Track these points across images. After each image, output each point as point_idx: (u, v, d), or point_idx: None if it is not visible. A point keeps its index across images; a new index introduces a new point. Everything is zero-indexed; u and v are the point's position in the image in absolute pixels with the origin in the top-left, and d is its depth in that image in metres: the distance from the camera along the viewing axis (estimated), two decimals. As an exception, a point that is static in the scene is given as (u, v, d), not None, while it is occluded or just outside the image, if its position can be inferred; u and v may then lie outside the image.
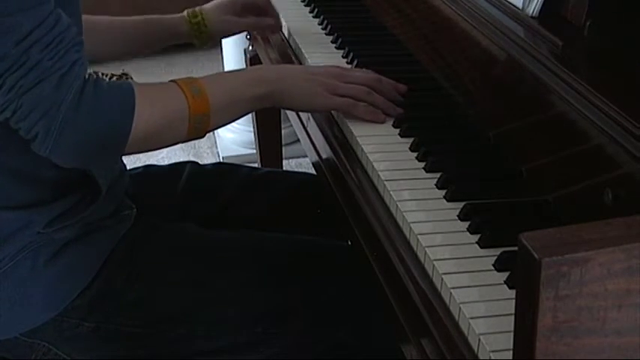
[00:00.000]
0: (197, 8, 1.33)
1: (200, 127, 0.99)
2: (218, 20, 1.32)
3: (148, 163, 1.34)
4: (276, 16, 1.39)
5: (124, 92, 0.94)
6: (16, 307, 0.99)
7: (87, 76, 0.92)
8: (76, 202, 1.02)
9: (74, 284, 1.01)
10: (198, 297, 1.04)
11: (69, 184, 1.02)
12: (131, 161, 1.18)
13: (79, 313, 1.01)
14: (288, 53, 1.35)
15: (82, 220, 1.02)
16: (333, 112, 1.10)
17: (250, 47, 1.69)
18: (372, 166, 0.96)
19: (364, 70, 1.12)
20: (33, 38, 0.88)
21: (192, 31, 1.31)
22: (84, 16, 1.08)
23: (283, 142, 1.98)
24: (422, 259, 0.81)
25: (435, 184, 0.92)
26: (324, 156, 1.09)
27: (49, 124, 0.89)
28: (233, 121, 1.08)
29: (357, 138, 1.02)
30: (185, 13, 1.31)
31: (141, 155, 2.60)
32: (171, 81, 0.99)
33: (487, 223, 0.83)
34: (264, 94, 1.03)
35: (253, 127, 1.95)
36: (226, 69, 2.59)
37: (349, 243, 1.13)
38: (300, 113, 1.21)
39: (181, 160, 1.36)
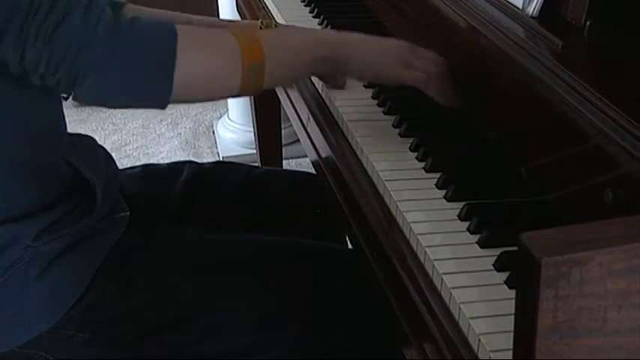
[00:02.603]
0: (274, 22, 1.23)
1: (254, 78, 0.93)
2: None
3: (147, 162, 1.34)
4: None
5: (162, 22, 0.90)
6: (10, 320, 0.98)
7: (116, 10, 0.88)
8: (67, 213, 1.00)
9: (68, 296, 0.99)
10: (194, 304, 1.02)
11: (60, 192, 0.99)
12: (131, 162, 1.17)
13: (74, 324, 0.99)
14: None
15: (73, 231, 1.00)
16: (333, 112, 1.10)
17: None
18: (372, 166, 0.96)
19: (431, 52, 1.09)
20: None
21: None
22: (136, 7, 1.04)
23: (283, 142, 1.98)
24: (422, 259, 0.81)
25: (435, 184, 0.92)
26: (324, 156, 1.09)
27: (87, 60, 0.84)
28: (296, 80, 1.03)
29: (358, 138, 1.02)
30: (259, 22, 1.21)
31: (140, 155, 2.60)
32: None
33: (487, 223, 0.83)
34: (328, 56, 0.99)
35: (253, 127, 1.95)
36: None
37: (349, 245, 1.13)
38: (300, 113, 1.21)
39: (181, 159, 1.35)
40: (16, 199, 0.97)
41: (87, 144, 1.10)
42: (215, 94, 0.97)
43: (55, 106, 1.00)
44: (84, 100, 0.88)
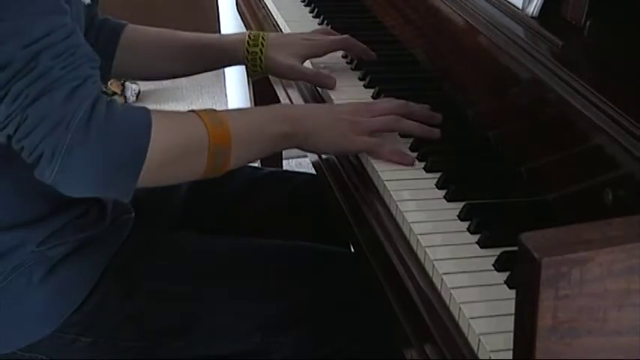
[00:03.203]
0: (262, 35, 1.19)
1: (220, 161, 0.92)
2: (274, 61, 1.18)
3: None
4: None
5: (139, 115, 0.87)
6: (12, 323, 0.98)
7: (98, 96, 0.85)
8: (76, 218, 1.00)
9: (70, 300, 0.99)
10: (196, 308, 1.02)
11: (70, 198, 0.96)
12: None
13: (75, 329, 0.99)
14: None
15: (80, 236, 1.00)
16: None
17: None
18: (372, 166, 0.96)
19: (391, 99, 1.05)
20: (43, 44, 0.82)
21: (246, 61, 1.20)
22: (136, 27, 1.03)
23: (283, 142, 1.97)
24: (422, 259, 0.81)
25: (435, 184, 0.92)
26: (324, 156, 1.09)
27: (55, 142, 0.81)
28: (254, 160, 1.01)
29: (357, 138, 1.02)
30: (247, 35, 1.20)
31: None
32: (190, 111, 0.94)
33: (487, 223, 0.83)
34: (289, 132, 0.97)
35: (253, 127, 1.95)
36: (227, 76, 2.58)
37: (350, 246, 1.13)
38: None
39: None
40: (25, 205, 0.97)
41: None
42: (177, 178, 0.96)
43: None
44: (42, 179, 0.84)
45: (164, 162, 0.88)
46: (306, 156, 1.09)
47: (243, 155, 0.96)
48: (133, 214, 1.09)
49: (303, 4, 1.54)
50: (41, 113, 0.81)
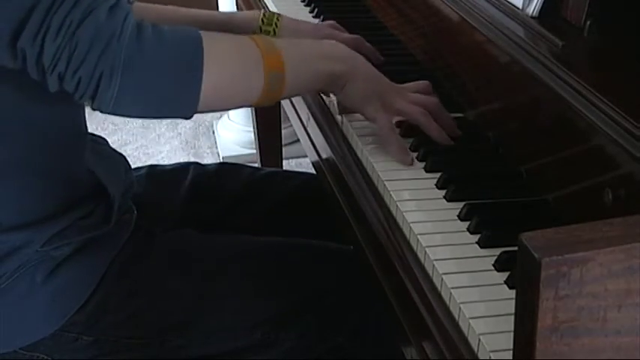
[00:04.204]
0: (276, 14, 1.19)
1: (275, 87, 0.91)
2: None
3: (148, 163, 1.34)
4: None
5: (187, 29, 0.86)
6: (14, 323, 0.98)
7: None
8: (81, 219, 0.99)
9: (72, 300, 0.99)
10: (198, 306, 1.03)
11: (77, 198, 0.99)
12: (131, 162, 1.17)
13: (77, 328, 0.99)
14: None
15: (85, 237, 1.00)
16: (333, 111, 1.10)
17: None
18: (372, 165, 0.96)
19: (427, 83, 1.06)
20: None
21: None
22: (143, 5, 1.00)
23: (283, 142, 1.98)
24: (422, 259, 0.81)
25: (435, 184, 0.92)
26: (324, 156, 1.09)
27: (112, 58, 0.79)
28: (307, 92, 1.00)
29: (357, 138, 1.02)
30: (261, 14, 1.19)
31: (141, 155, 2.60)
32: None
33: (487, 223, 0.83)
34: (340, 72, 0.97)
35: (253, 127, 1.95)
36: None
37: (350, 245, 1.13)
38: (300, 113, 1.21)
39: (181, 160, 1.35)
40: (34, 204, 0.97)
41: (108, 151, 1.09)
42: (235, 104, 0.95)
43: (78, 112, 0.99)
44: (103, 108, 0.82)
45: (222, 79, 0.87)
46: (306, 156, 1.09)
47: (296, 84, 0.95)
48: (135, 213, 1.09)
49: (303, 4, 1.54)
50: (90, 34, 0.79)
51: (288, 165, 2.39)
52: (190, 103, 0.86)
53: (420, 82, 1.07)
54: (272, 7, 1.52)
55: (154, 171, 1.27)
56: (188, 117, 0.88)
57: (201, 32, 0.87)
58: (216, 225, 1.20)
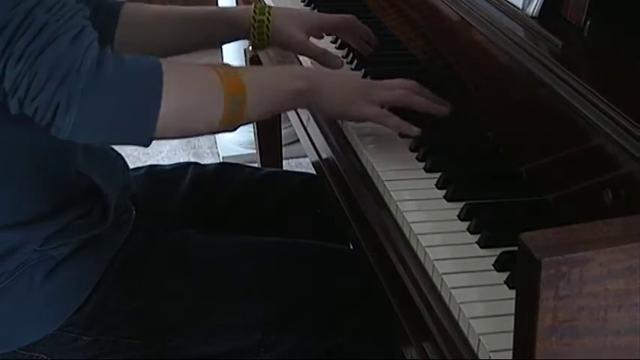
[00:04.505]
0: (268, 6, 1.19)
1: (236, 109, 0.91)
2: (284, 32, 1.17)
3: (148, 163, 1.34)
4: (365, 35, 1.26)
5: (149, 59, 0.87)
6: (14, 323, 0.98)
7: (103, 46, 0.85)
8: (79, 218, 1.00)
9: (72, 300, 0.99)
10: (197, 307, 1.03)
11: (73, 199, 0.99)
12: (131, 162, 1.17)
13: (77, 328, 0.99)
14: (289, 54, 1.35)
15: (83, 237, 1.00)
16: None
17: (250, 47, 1.69)
18: (372, 165, 0.96)
19: (404, 79, 1.06)
20: (32, 1, 0.80)
21: (252, 30, 1.17)
22: (134, 4, 1.00)
23: (283, 142, 1.98)
24: (422, 259, 0.81)
25: (435, 184, 0.92)
26: (324, 156, 1.09)
27: (69, 90, 0.80)
28: (269, 115, 1.01)
29: (357, 138, 1.02)
30: (253, 5, 1.18)
31: (140, 155, 2.60)
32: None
33: (487, 223, 0.83)
34: (303, 89, 0.97)
35: (253, 127, 1.95)
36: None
37: (350, 245, 1.13)
38: (300, 113, 1.21)
39: (181, 160, 1.35)
40: (28, 204, 0.98)
41: (103, 151, 1.09)
42: (198, 130, 0.95)
43: None
44: (60, 134, 0.83)
45: (179, 108, 0.87)
46: (306, 156, 1.09)
47: (258, 107, 0.95)
48: (134, 213, 1.09)
49: (303, 4, 1.54)
50: (50, 65, 0.80)
51: (288, 165, 2.38)
52: (147, 131, 0.87)
53: (397, 79, 1.07)
54: (272, 7, 1.52)
55: (153, 171, 1.27)
56: (146, 145, 0.89)
57: (162, 61, 0.88)
58: (216, 225, 1.20)
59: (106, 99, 0.83)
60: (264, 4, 1.19)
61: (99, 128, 0.85)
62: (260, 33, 1.17)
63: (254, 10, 1.17)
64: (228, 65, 0.94)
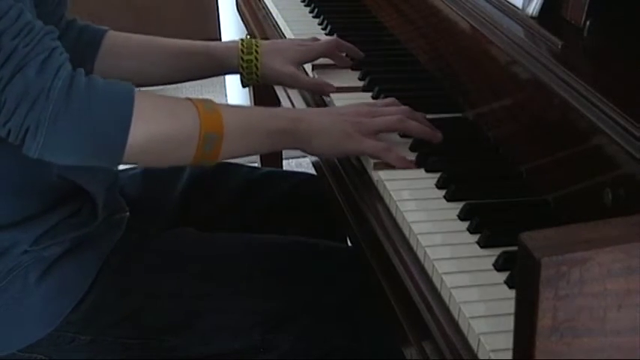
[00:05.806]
0: (254, 41, 1.18)
1: (210, 150, 0.91)
2: (273, 69, 1.17)
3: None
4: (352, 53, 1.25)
5: (122, 85, 0.88)
6: (10, 325, 0.98)
7: (76, 68, 0.86)
8: (67, 217, 0.99)
9: (67, 300, 0.99)
10: (195, 306, 1.02)
11: (58, 200, 0.99)
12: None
13: (74, 327, 0.99)
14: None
15: (74, 236, 1.00)
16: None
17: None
18: (372, 165, 0.96)
19: (393, 100, 1.05)
20: (0, 27, 0.82)
21: (241, 70, 1.18)
22: (119, 33, 1.01)
23: (283, 142, 1.97)
24: (422, 259, 0.81)
25: (435, 184, 0.92)
26: (324, 156, 1.09)
27: (38, 115, 0.82)
28: (248, 155, 1.00)
29: (357, 138, 1.02)
30: (239, 43, 1.18)
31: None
32: (185, 98, 0.93)
33: (487, 223, 0.83)
34: (287, 129, 0.96)
35: (253, 127, 1.95)
36: (227, 76, 2.58)
37: (349, 244, 1.13)
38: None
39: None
40: (13, 206, 0.97)
41: None
42: (169, 161, 0.96)
43: None
44: (30, 154, 0.84)
45: (150, 138, 0.88)
46: (305, 156, 1.09)
47: (236, 148, 0.94)
48: (128, 212, 1.09)
49: (303, 4, 1.54)
50: (19, 91, 0.82)
51: (288, 165, 2.39)
52: (114, 157, 0.88)
53: (387, 98, 1.06)
54: (272, 8, 1.52)
55: (149, 170, 1.27)
56: (113, 167, 0.90)
57: (139, 90, 0.88)
58: (214, 224, 1.19)
59: (74, 123, 0.84)
60: (250, 40, 1.19)
61: (67, 151, 0.86)
62: (249, 73, 1.18)
63: (241, 49, 1.17)
64: (210, 101, 0.93)
